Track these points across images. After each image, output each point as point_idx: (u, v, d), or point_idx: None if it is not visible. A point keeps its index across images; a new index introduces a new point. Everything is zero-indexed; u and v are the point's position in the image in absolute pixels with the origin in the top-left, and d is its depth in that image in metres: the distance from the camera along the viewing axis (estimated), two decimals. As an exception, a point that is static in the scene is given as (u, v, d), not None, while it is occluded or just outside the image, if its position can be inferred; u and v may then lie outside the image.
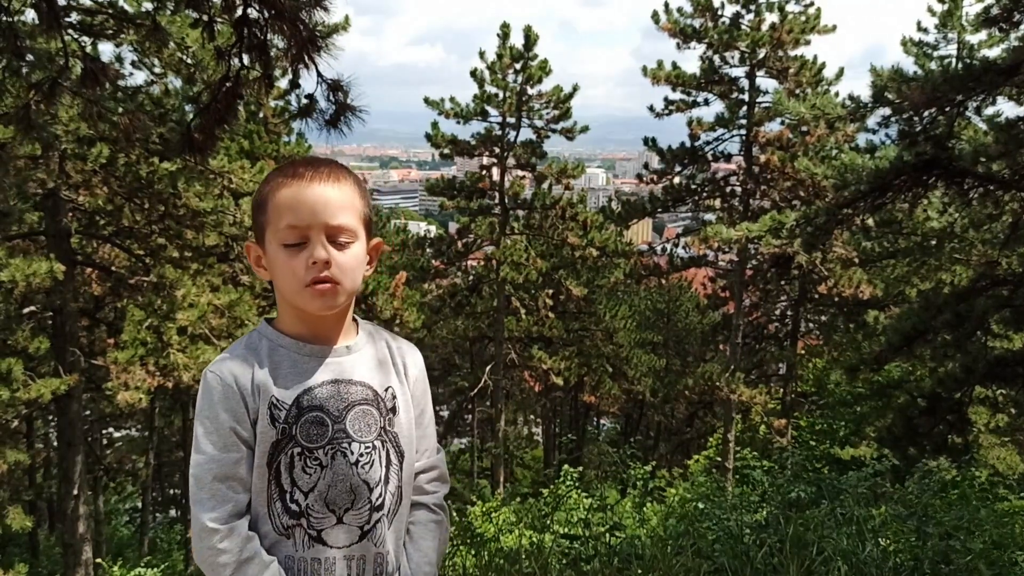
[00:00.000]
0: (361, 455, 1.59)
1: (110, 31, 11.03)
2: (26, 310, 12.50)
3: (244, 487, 1.55)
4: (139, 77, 14.31)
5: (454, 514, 9.66)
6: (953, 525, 4.86)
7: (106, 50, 15.38)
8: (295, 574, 1.56)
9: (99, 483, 20.67)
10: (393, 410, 1.66)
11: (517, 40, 20.81)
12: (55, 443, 18.47)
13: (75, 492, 12.88)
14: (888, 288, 19.51)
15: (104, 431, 25.21)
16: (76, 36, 9.57)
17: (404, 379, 1.72)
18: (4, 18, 6.43)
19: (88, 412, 20.74)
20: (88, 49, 10.19)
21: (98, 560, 11.56)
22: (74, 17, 10.95)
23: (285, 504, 1.56)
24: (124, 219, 13.30)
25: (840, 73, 19.54)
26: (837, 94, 16.96)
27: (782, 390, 23.81)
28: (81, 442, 13.45)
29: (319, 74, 5.49)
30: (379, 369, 1.67)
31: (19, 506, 13.20)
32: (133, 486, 26.34)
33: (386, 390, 1.66)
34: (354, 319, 1.71)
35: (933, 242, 16.29)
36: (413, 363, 1.75)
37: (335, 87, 5.63)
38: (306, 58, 5.33)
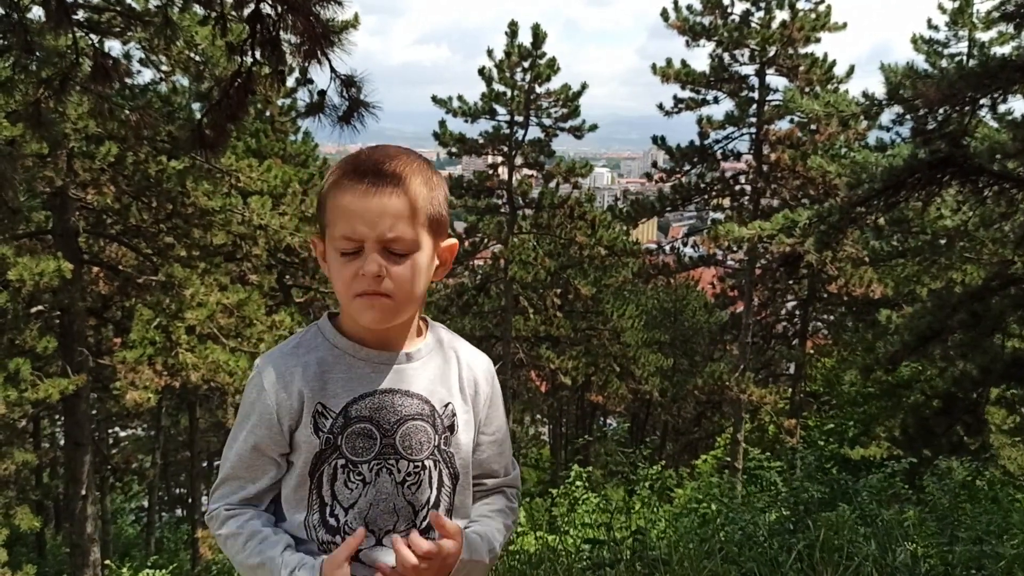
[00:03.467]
0: (409, 474, 1.48)
1: (117, 28, 10.96)
2: (34, 309, 12.44)
3: (251, 491, 1.51)
4: (146, 75, 14.26)
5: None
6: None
7: (113, 48, 15.31)
8: None
9: (106, 483, 20.64)
10: (451, 428, 1.54)
11: (525, 39, 20.76)
12: (62, 443, 18.44)
13: (83, 492, 12.82)
14: (898, 287, 19.40)
15: (110, 430, 25.21)
16: (84, 34, 9.50)
17: (470, 396, 1.58)
18: (14, 15, 6.38)
19: (95, 411, 20.72)
20: (96, 47, 10.12)
21: (106, 561, 11.51)
22: (81, 15, 10.88)
23: (323, 518, 1.47)
24: (132, 218, 13.24)
25: (851, 71, 19.47)
26: (847, 92, 16.87)
27: (791, 390, 23.70)
28: (89, 442, 13.40)
29: (332, 70, 5.42)
30: (441, 382, 1.55)
31: (27, 506, 13.15)
32: (139, 485, 26.32)
33: (446, 406, 1.53)
34: (424, 321, 1.59)
35: (943, 241, 16.19)
36: (484, 379, 1.61)
37: (349, 83, 5.56)
38: (319, 53, 5.26)
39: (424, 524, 1.49)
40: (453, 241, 1.54)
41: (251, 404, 1.48)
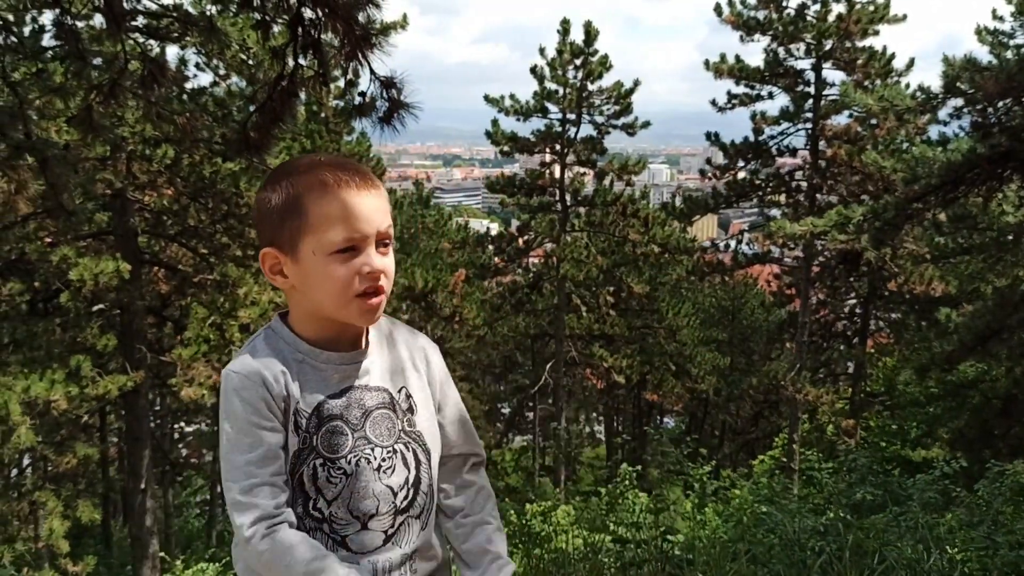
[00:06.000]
0: (383, 460, 1.55)
1: (175, 34, 11.22)
2: (95, 308, 12.80)
3: (281, 497, 1.50)
4: (205, 79, 14.54)
5: (512, 513, 9.62)
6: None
7: (172, 53, 15.67)
8: None
9: (166, 477, 21.17)
10: (410, 410, 1.62)
11: (578, 36, 20.73)
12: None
13: (142, 486, 13.17)
14: (962, 285, 18.90)
15: (176, 425, 25.82)
16: (143, 39, 9.75)
17: (424, 372, 1.67)
18: (67, 21, 6.57)
19: (158, 407, 21.24)
20: (156, 52, 10.37)
21: (161, 554, 11.81)
22: (140, 21, 11.16)
23: (307, 510, 1.53)
24: (189, 219, 13.55)
25: (911, 64, 18.98)
26: (908, 86, 16.47)
27: (851, 389, 23.23)
28: (148, 437, 13.75)
29: (372, 71, 5.47)
30: (393, 370, 1.62)
31: (89, 499, 13.54)
32: (204, 479, 26.90)
33: (399, 391, 1.61)
34: None
35: (1010, 237, 15.72)
36: (433, 353, 1.71)
37: (388, 84, 5.60)
38: (360, 56, 5.32)
39: (404, 504, 1.57)
40: None
41: (250, 403, 1.48)
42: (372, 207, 1.49)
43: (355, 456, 1.53)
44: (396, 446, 1.57)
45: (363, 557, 1.54)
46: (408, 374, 1.64)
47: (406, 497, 1.57)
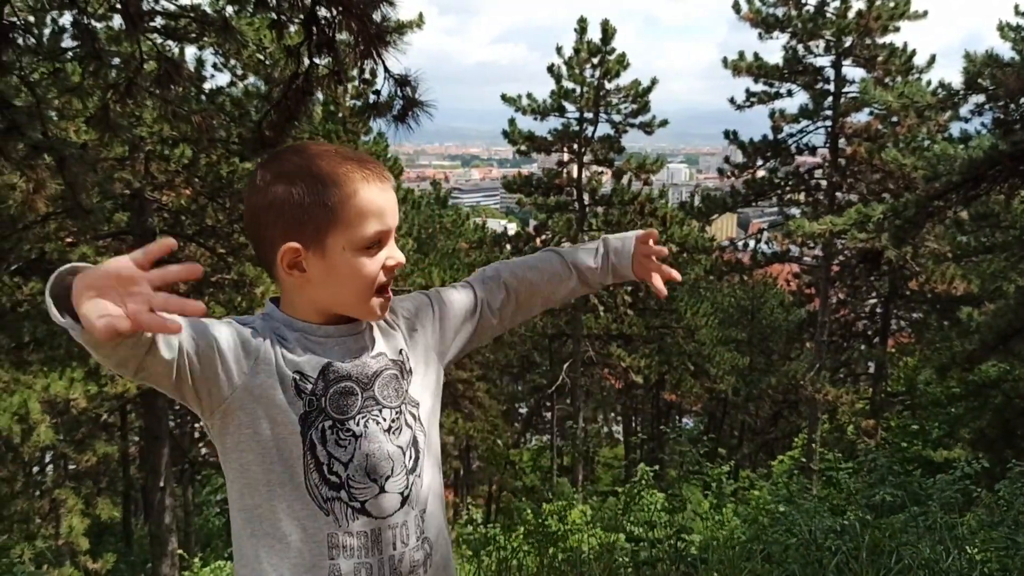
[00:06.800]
0: (393, 420, 1.56)
1: (192, 34, 11.27)
2: (115, 307, 12.84)
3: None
4: (222, 79, 14.58)
5: (528, 512, 9.58)
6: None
7: (191, 53, 15.75)
8: (340, 552, 1.49)
9: (186, 475, 21.29)
10: (411, 371, 1.63)
11: (595, 35, 20.68)
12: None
13: (161, 484, 13.24)
14: (984, 284, 18.73)
15: (195, 424, 26.00)
16: (161, 40, 9.78)
17: (407, 331, 1.68)
18: (84, 22, 6.60)
19: (177, 406, 21.35)
20: (175, 52, 10.41)
21: (179, 551, 11.86)
22: (158, 21, 11.21)
23: (323, 475, 1.49)
24: (207, 218, 13.61)
25: (932, 60, 18.79)
26: (928, 82, 16.32)
27: (871, 389, 23.06)
28: (167, 436, 13.82)
29: (386, 69, 5.47)
30: (388, 337, 1.64)
31: (108, 497, 13.63)
32: (223, 478, 27.07)
33: (399, 352, 1.63)
34: None
35: (1033, 235, 15.55)
36: (410, 304, 1.71)
37: (403, 82, 5.59)
38: (374, 54, 5.31)
39: (412, 464, 1.57)
40: None
41: (233, 333, 1.45)
42: (393, 200, 1.52)
43: (363, 417, 1.53)
44: (403, 407, 1.58)
45: (384, 522, 1.52)
46: (401, 338, 1.65)
47: (412, 456, 1.57)
